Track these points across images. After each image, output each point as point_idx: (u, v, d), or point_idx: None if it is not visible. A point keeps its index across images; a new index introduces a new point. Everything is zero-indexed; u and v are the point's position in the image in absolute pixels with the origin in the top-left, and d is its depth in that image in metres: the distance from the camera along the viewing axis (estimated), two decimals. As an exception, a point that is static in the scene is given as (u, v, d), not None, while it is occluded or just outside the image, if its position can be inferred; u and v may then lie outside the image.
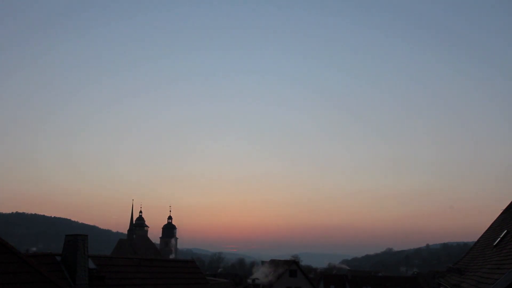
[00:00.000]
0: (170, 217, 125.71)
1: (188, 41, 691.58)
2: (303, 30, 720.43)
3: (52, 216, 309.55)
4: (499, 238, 16.01)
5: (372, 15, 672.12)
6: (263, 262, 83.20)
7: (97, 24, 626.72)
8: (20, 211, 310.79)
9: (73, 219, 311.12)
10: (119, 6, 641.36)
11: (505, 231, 16.16)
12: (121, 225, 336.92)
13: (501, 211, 20.57)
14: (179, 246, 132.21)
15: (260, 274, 68.32)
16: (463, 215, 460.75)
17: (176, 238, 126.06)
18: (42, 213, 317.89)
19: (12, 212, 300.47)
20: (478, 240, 21.37)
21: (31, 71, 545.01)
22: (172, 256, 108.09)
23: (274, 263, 73.05)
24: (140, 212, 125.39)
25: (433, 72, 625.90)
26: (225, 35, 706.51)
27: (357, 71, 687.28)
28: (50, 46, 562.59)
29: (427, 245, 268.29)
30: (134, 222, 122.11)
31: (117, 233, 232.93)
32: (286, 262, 72.83)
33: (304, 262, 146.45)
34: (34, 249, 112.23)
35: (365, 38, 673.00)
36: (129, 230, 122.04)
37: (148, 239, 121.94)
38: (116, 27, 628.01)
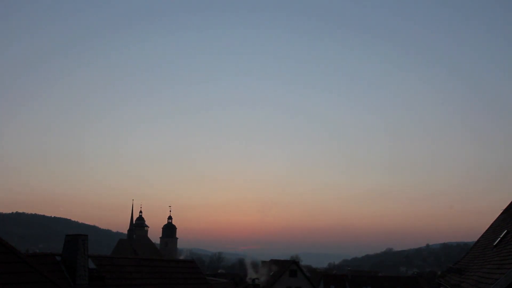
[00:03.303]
0: (170, 217, 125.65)
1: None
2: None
3: (52, 216, 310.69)
4: (499, 238, 16.02)
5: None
6: (263, 262, 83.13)
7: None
8: (20, 211, 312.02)
9: (73, 219, 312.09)
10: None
11: (505, 231, 16.17)
12: (121, 225, 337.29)
13: (501, 211, 20.58)
14: (179, 246, 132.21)
15: (258, 274, 68.14)
16: (463, 215, 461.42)
17: (176, 238, 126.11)
18: (42, 213, 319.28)
19: (12, 212, 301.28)
20: (478, 240, 21.37)
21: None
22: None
23: (274, 263, 72.96)
24: (140, 212, 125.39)
25: (433, 72, 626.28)
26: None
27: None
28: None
29: (427, 245, 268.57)
30: (134, 222, 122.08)
31: (117, 233, 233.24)
32: (286, 262, 72.77)
33: (304, 262, 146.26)
34: (34, 249, 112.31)
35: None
36: (129, 230, 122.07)
37: (148, 239, 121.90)
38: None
